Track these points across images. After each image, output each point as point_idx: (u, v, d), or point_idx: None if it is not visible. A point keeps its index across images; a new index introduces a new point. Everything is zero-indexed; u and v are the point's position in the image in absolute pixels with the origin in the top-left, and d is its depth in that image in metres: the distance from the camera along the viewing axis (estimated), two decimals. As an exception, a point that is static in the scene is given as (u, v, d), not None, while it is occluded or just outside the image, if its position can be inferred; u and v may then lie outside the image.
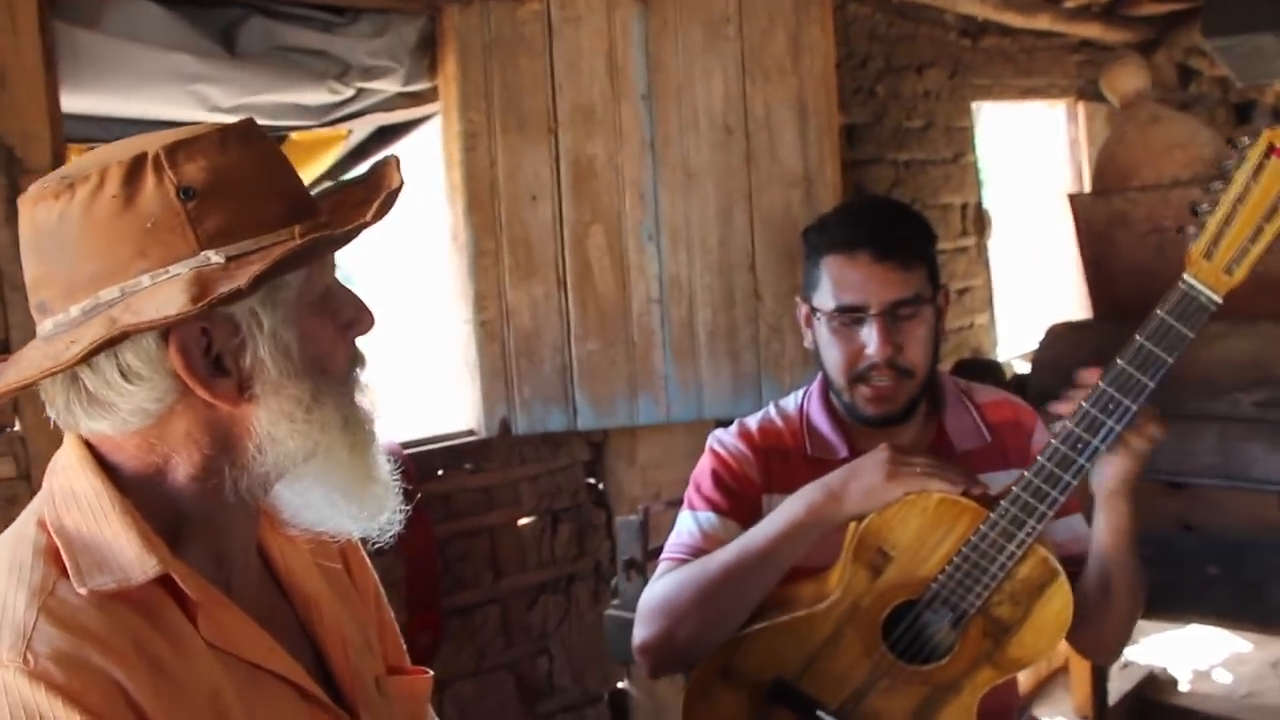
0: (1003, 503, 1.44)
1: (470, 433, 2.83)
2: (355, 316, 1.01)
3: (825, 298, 1.65)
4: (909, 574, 1.49)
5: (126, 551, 0.89)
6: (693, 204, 2.84)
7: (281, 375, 0.93)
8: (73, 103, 2.25)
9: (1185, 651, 4.07)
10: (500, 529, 2.83)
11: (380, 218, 0.95)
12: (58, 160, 2.19)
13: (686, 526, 1.71)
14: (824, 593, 1.54)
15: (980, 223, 4.00)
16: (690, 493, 1.75)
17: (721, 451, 1.74)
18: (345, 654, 1.08)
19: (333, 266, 1.00)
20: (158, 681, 0.86)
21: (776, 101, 2.85)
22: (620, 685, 3.04)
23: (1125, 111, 3.18)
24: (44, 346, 0.91)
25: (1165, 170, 3.02)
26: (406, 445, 2.72)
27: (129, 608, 0.88)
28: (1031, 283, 4.73)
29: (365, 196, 0.97)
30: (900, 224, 1.67)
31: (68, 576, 0.88)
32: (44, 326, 0.92)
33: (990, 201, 4.52)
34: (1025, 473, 1.44)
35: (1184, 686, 3.88)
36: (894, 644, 1.51)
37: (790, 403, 1.80)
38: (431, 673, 1.24)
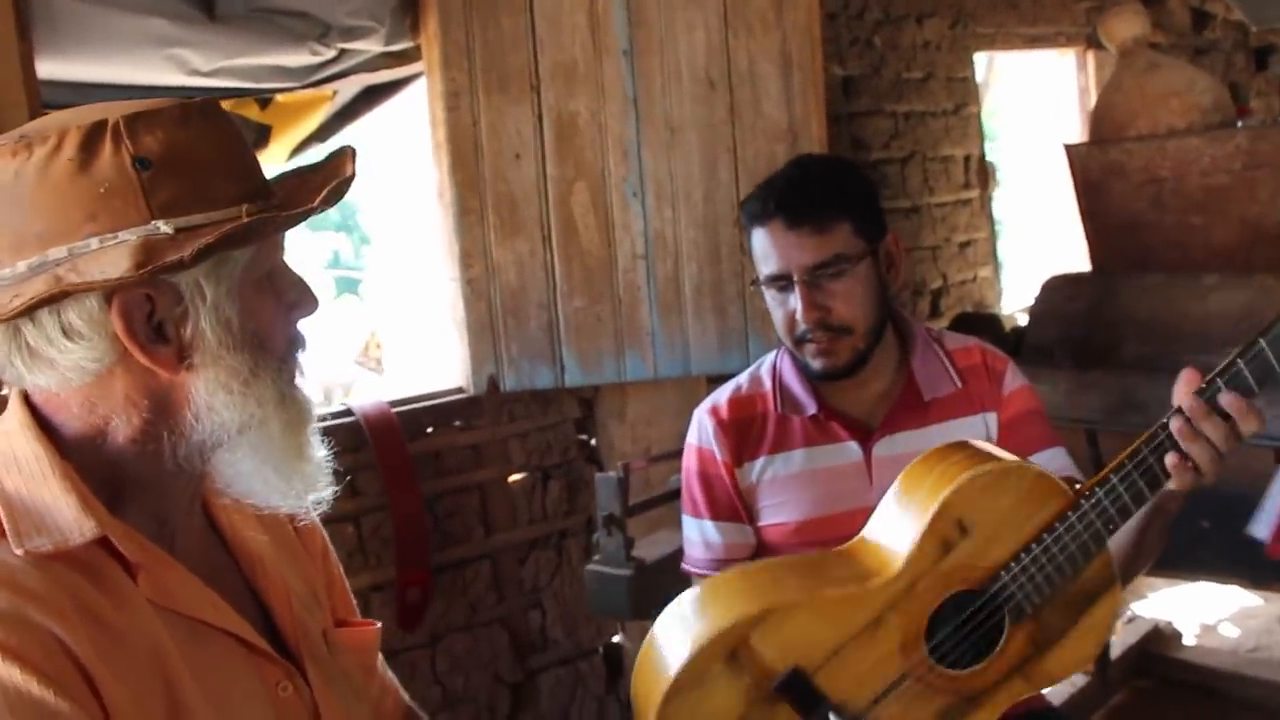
0: (1113, 478, 1.30)
1: (459, 390, 2.85)
2: (299, 299, 1.04)
3: (759, 267, 1.70)
4: (978, 557, 1.31)
5: (65, 514, 0.91)
6: (676, 159, 2.82)
7: (221, 347, 0.96)
8: (49, 69, 2.26)
9: (1192, 605, 4.04)
10: (490, 485, 2.85)
11: (328, 206, 0.97)
12: (36, 126, 2.21)
13: (693, 535, 1.80)
14: (877, 567, 1.34)
15: (983, 175, 3.94)
16: (684, 493, 1.83)
17: (697, 445, 1.80)
18: (290, 609, 1.10)
19: (281, 248, 1.03)
20: (98, 637, 0.88)
21: (760, 55, 2.81)
22: (615, 639, 3.07)
23: (1123, 59, 3.11)
24: None
25: (1162, 119, 2.95)
26: (395, 403, 2.74)
27: (69, 567, 0.91)
28: (1041, 234, 4.66)
29: (320, 184, 0.99)
30: (813, 185, 1.65)
31: (6, 538, 0.90)
32: None
33: (998, 153, 4.45)
34: (1140, 444, 1.29)
35: (1190, 641, 3.85)
36: (937, 644, 1.35)
37: (767, 362, 1.84)
38: (379, 624, 1.26)
